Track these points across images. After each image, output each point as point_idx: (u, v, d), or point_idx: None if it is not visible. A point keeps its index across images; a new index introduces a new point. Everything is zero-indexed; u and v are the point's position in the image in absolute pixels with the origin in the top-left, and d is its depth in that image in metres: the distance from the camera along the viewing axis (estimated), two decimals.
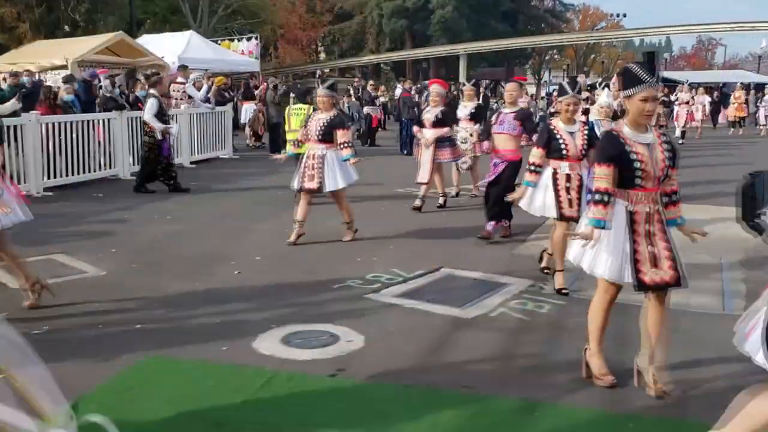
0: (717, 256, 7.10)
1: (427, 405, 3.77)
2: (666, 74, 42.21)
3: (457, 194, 10.64)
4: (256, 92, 17.79)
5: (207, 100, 14.01)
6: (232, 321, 5.07)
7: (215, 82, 15.13)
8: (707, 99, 19.96)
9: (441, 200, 9.84)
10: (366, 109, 15.93)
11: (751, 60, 60.86)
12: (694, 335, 4.92)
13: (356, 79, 19.06)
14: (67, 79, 12.26)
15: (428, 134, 9.38)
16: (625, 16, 67.70)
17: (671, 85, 27.51)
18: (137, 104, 12.24)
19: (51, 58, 18.33)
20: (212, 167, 13.66)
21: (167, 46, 20.49)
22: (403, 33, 45.58)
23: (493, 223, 7.66)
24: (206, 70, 20.08)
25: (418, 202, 9.44)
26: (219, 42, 24.15)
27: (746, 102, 24.43)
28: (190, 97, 13.91)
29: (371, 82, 20.31)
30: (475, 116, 10.03)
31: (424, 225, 8.47)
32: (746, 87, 26.29)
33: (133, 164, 11.93)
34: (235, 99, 17.57)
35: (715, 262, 6.89)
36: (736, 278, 6.37)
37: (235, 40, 24.64)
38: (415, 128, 9.97)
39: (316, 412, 3.70)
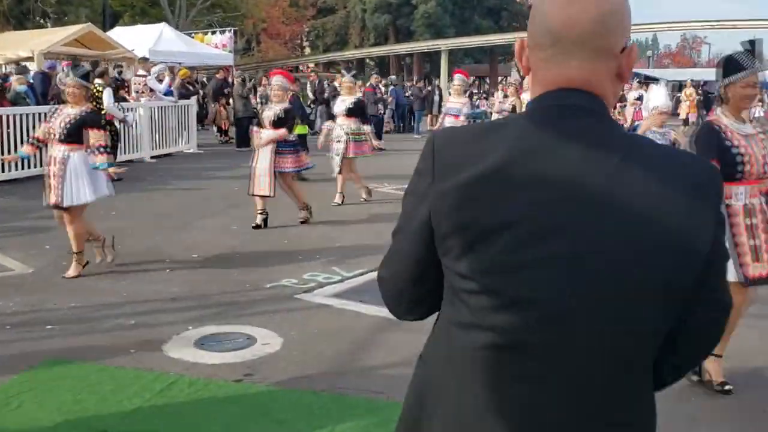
0: None
1: (329, 412, 3.57)
2: (648, 72, 42.26)
3: (369, 193, 9.64)
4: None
5: (169, 93, 13.72)
6: (148, 323, 4.85)
7: (179, 74, 14.83)
8: (634, 95, 19.53)
9: (338, 199, 9.27)
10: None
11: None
12: None
13: (311, 75, 18.78)
14: (20, 71, 11.95)
15: (265, 136, 7.71)
16: None
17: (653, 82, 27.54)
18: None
19: (17, 49, 17.93)
20: (173, 162, 13.37)
21: (138, 39, 20.11)
22: (387, 28, 45.27)
23: None
24: (180, 63, 19.82)
25: (303, 215, 8.09)
26: (193, 35, 23.81)
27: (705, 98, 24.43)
28: (151, 90, 13.62)
29: (340, 77, 20.02)
30: (354, 112, 9.32)
31: (374, 223, 8.26)
32: (696, 85, 26.28)
33: None
34: (202, 93, 17.25)
35: None
36: None
37: (209, 33, 24.30)
38: (253, 129, 8.36)
39: (209, 420, 3.49)
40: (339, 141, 9.21)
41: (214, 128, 17.50)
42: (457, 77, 11.56)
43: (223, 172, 12.00)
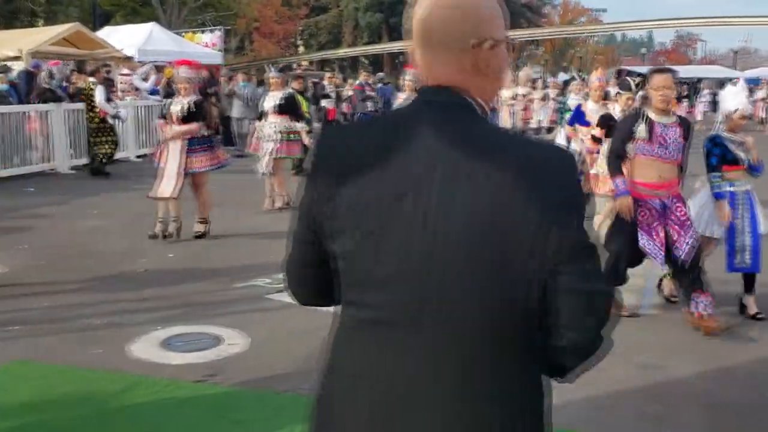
0: None
1: (289, 412, 3.55)
2: (642, 69, 42.21)
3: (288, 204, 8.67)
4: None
5: (156, 92, 13.67)
6: (118, 322, 4.83)
7: (164, 73, 14.78)
8: (640, 94, 19.56)
9: (267, 204, 8.68)
10: (323, 102, 15.69)
11: (732, 56, 61.15)
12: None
13: (299, 69, 18.74)
14: (2, 69, 11.92)
15: (172, 131, 7.09)
16: (605, 11, 67.82)
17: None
18: (79, 96, 11.88)
19: (4, 48, 17.87)
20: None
21: (128, 38, 20.05)
22: (380, 26, 45.22)
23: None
24: (170, 62, 19.73)
25: (198, 228, 7.34)
26: (183, 34, 23.73)
27: (686, 97, 24.43)
28: (137, 89, 13.57)
29: (328, 74, 20.02)
30: (285, 109, 8.69)
31: None
32: (689, 83, 26.41)
33: (74, 157, 11.62)
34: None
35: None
36: (659, 275, 6.19)
37: (199, 33, 24.22)
38: (159, 122, 7.73)
39: (169, 421, 3.48)
40: (270, 140, 8.64)
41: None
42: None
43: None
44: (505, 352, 1.21)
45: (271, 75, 9.33)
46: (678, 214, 4.72)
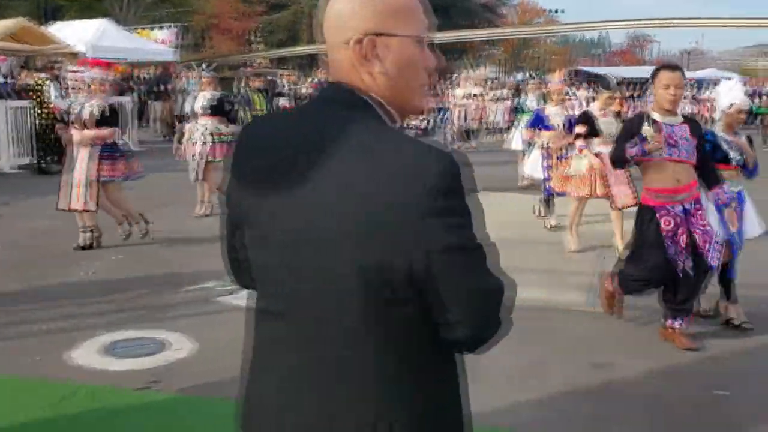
0: (598, 249, 7.00)
1: (233, 418, 3.45)
2: (597, 70, 42.92)
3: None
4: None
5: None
6: (60, 328, 4.67)
7: (115, 71, 14.43)
8: (585, 94, 19.73)
9: (199, 209, 8.27)
10: (280, 101, 15.54)
11: (683, 56, 62.51)
12: (549, 333, 4.74)
13: (249, 68, 18.52)
14: None
15: (83, 135, 6.53)
16: (563, 11, 68.63)
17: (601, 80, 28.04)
18: (27, 93, 11.53)
19: None
20: None
21: (79, 34, 19.50)
22: None
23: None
24: (124, 59, 19.32)
25: (122, 230, 6.97)
26: (137, 31, 23.26)
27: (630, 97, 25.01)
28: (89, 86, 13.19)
29: (285, 72, 19.87)
30: (218, 110, 8.26)
31: None
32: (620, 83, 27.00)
33: (18, 156, 11.28)
34: (143, 92, 16.86)
35: (594, 256, 6.78)
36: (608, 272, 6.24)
37: (154, 29, 23.77)
38: (59, 126, 7.16)
39: (106, 431, 3.35)
40: (201, 143, 8.16)
41: (158, 125, 17.13)
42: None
43: (157, 170, 11.67)
44: (381, 346, 1.22)
45: (203, 74, 8.86)
46: (700, 219, 4.43)
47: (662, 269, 4.40)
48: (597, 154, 6.82)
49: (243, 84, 18.59)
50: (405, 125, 11.90)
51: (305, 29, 45.78)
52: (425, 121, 12.36)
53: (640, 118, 4.54)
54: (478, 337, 1.26)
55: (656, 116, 4.43)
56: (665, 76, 4.37)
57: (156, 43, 22.03)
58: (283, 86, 16.59)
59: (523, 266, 6.39)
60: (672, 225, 4.36)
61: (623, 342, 4.59)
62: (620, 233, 6.80)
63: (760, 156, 5.24)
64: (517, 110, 12.33)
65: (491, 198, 9.96)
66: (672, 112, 4.45)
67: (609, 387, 3.93)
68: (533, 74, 13.67)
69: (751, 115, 25.08)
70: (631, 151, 4.38)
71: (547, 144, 7.84)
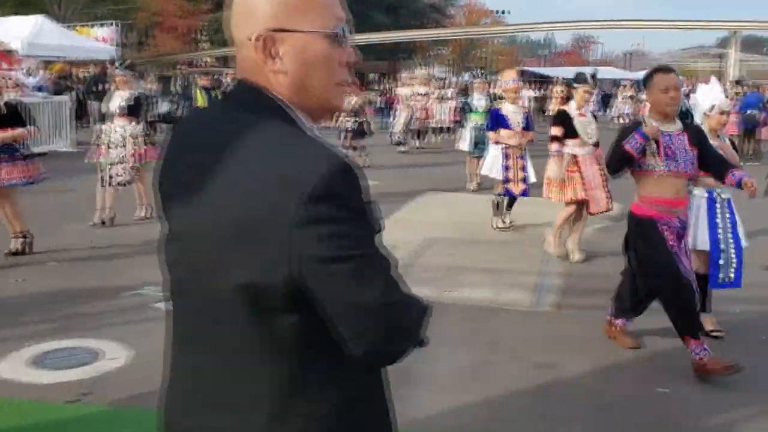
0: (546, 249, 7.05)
1: None
2: (542, 71, 43.64)
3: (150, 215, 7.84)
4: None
5: (40, 89, 12.88)
6: None
7: (52, 69, 13.98)
8: (530, 94, 20.08)
9: (142, 212, 7.89)
10: None
11: (625, 57, 64.00)
12: (493, 334, 4.72)
13: (195, 67, 18.21)
14: None
15: None
16: (509, 12, 69.49)
17: (547, 81, 28.50)
18: None
19: None
20: (45, 161, 12.24)
21: (14, 31, 18.79)
22: None
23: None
24: (62, 57, 18.76)
25: (14, 245, 6.43)
26: (75, 28, 22.57)
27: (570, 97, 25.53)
28: (18, 85, 12.71)
29: (231, 71, 19.55)
30: (135, 111, 7.77)
31: None
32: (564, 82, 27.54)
33: None
34: (81, 90, 16.35)
35: (541, 256, 6.82)
36: (554, 272, 6.30)
37: (94, 27, 23.12)
38: None
39: None
40: (119, 145, 7.62)
41: (99, 125, 16.58)
42: None
43: (95, 172, 11.34)
44: (269, 357, 1.16)
45: (117, 72, 8.08)
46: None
47: (677, 278, 4.03)
48: (574, 156, 6.58)
49: (181, 82, 18.30)
50: (336, 126, 11.60)
51: None
52: (357, 123, 11.98)
53: (637, 124, 4.23)
54: (378, 355, 1.17)
55: (653, 122, 4.10)
56: (662, 79, 4.10)
57: (96, 41, 21.40)
58: (228, 85, 16.30)
59: (470, 266, 6.42)
60: (674, 239, 4.09)
61: (566, 341, 4.60)
62: (578, 236, 6.73)
63: None
64: (464, 110, 12.28)
65: (440, 198, 10.00)
66: (670, 118, 4.16)
67: (551, 387, 3.93)
68: (479, 73, 13.40)
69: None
70: (629, 147, 4.05)
71: (505, 144, 7.69)
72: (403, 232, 7.32)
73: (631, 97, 23.38)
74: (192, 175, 1.18)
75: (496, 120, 7.80)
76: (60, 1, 30.58)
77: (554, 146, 6.61)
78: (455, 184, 10.74)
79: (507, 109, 7.80)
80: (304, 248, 1.07)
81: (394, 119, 15.41)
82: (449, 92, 17.54)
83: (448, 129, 17.74)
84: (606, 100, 26.86)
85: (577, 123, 6.59)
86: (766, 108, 15.00)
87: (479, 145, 9.99)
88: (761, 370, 4.10)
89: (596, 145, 6.68)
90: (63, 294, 5.32)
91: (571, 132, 6.58)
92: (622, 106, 23.69)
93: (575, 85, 6.83)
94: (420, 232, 7.56)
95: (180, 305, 1.26)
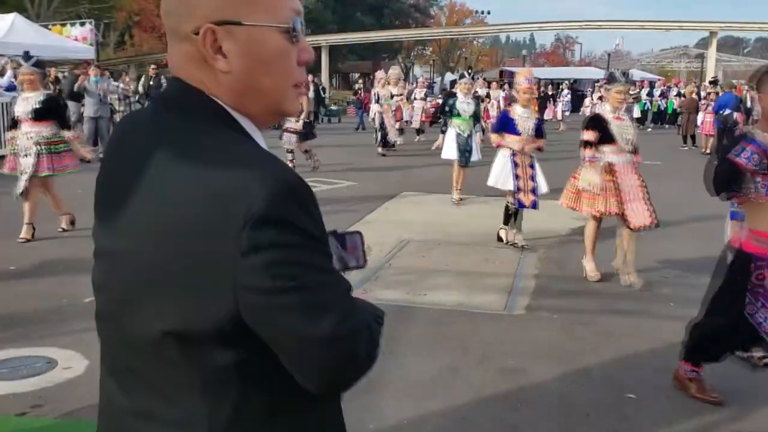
0: (519, 250, 6.99)
1: None
2: (520, 70, 43.69)
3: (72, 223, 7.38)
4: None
5: (12, 89, 12.61)
6: None
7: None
8: (501, 94, 20.05)
9: (25, 233, 6.88)
10: None
11: (606, 58, 64.33)
12: (462, 338, 4.64)
13: (153, 67, 17.85)
14: None
15: None
16: (489, 13, 69.60)
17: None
18: None
19: None
20: None
21: None
22: None
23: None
24: (36, 56, 18.41)
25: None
26: (50, 27, 22.23)
27: (544, 96, 25.74)
28: None
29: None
30: (43, 114, 6.85)
31: None
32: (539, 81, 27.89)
33: None
34: (57, 90, 16.05)
35: (515, 257, 6.76)
36: (528, 274, 6.23)
37: (68, 25, 22.76)
38: None
39: None
40: (27, 155, 6.83)
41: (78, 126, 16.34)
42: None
43: (68, 173, 11.13)
44: (196, 386, 1.03)
45: (23, 69, 7.01)
46: None
47: (735, 327, 3.58)
48: (610, 165, 5.79)
49: (145, 82, 17.94)
50: (278, 126, 11.08)
51: None
52: (300, 122, 11.13)
53: (741, 138, 3.53)
54: (334, 386, 1.05)
55: (762, 136, 3.45)
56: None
57: (70, 41, 21.08)
58: None
59: (443, 268, 6.34)
60: (765, 280, 3.50)
61: (537, 346, 4.53)
62: (632, 255, 5.86)
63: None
64: (446, 113, 10.44)
65: (414, 199, 9.92)
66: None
67: (518, 393, 3.85)
68: (465, 73, 11.92)
69: (671, 114, 25.98)
70: (741, 161, 3.39)
71: (514, 151, 7.01)
72: (377, 233, 7.24)
73: (601, 98, 23.48)
74: (118, 187, 1.05)
75: (504, 123, 7.11)
76: None
77: (588, 152, 5.80)
78: (430, 186, 10.67)
79: (517, 112, 7.04)
80: (246, 279, 0.93)
81: (378, 120, 15.17)
82: (422, 92, 17.45)
83: (420, 131, 17.66)
84: (581, 101, 27.00)
85: (614, 127, 5.81)
86: (742, 108, 15.06)
87: (465, 153, 9.48)
88: (725, 372, 4.05)
89: (634, 151, 5.89)
90: (14, 299, 5.17)
91: (606, 137, 5.81)
92: (593, 107, 23.83)
93: (607, 86, 6.09)
94: (394, 234, 7.47)
95: (105, 332, 1.13)
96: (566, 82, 27.52)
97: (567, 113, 24.85)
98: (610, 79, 6.09)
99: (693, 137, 18.95)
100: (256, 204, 0.92)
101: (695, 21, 41.55)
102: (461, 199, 9.56)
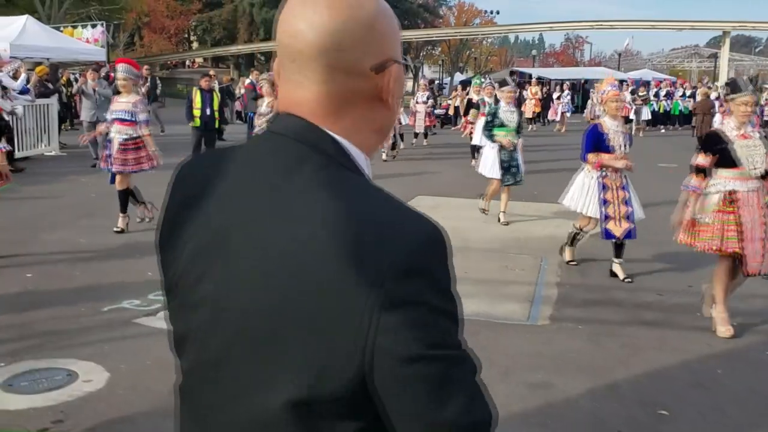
0: (539, 257, 6.90)
1: None
2: (534, 71, 43.55)
3: None
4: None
5: (26, 92, 12.59)
6: None
7: (36, 71, 13.70)
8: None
9: None
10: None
11: (616, 58, 64.03)
12: (485, 350, 4.55)
13: (145, 68, 17.85)
14: None
15: None
16: (498, 13, 69.43)
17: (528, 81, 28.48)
18: None
19: None
20: (30, 166, 12.28)
21: None
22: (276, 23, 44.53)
23: None
24: (47, 59, 18.45)
25: None
26: (61, 29, 22.27)
27: (547, 97, 25.61)
28: (5, 88, 12.43)
29: (211, 72, 19.26)
30: None
31: None
32: (540, 82, 27.74)
33: None
34: (71, 91, 16.07)
35: (535, 264, 6.67)
36: (550, 282, 6.14)
37: (79, 27, 22.79)
38: None
39: None
40: None
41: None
42: (120, 67, 7.68)
43: (81, 177, 11.12)
44: None
45: None
46: None
47: None
48: (731, 193, 4.82)
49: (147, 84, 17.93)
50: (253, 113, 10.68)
51: (243, 28, 45.01)
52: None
53: None
54: None
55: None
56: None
57: (82, 43, 21.11)
58: (222, 84, 16.08)
59: (463, 276, 6.23)
60: None
61: (561, 358, 4.44)
62: (726, 304, 4.93)
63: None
64: (490, 122, 8.55)
65: (430, 202, 9.82)
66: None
67: (547, 409, 3.76)
68: (508, 79, 9.88)
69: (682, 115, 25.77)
70: None
71: (604, 172, 6.16)
72: None
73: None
74: (225, 230, 0.95)
75: (596, 140, 6.13)
76: (45, 1, 30.20)
77: (694, 181, 4.92)
78: (445, 190, 10.57)
79: (608, 125, 6.15)
80: (381, 339, 0.83)
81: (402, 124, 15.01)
82: (420, 96, 17.19)
83: (418, 135, 17.41)
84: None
85: (738, 147, 4.81)
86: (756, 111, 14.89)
87: (512, 170, 8.32)
88: (761, 388, 3.96)
89: (765, 176, 4.86)
90: (36, 309, 5.10)
91: (726, 161, 4.83)
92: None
93: (730, 96, 4.96)
94: None
95: (196, 396, 1.01)
96: (567, 82, 27.20)
97: (568, 114, 24.54)
98: (734, 88, 4.98)
99: None
100: (398, 255, 0.84)
101: (708, 21, 41.25)
102: (486, 211, 8.61)
